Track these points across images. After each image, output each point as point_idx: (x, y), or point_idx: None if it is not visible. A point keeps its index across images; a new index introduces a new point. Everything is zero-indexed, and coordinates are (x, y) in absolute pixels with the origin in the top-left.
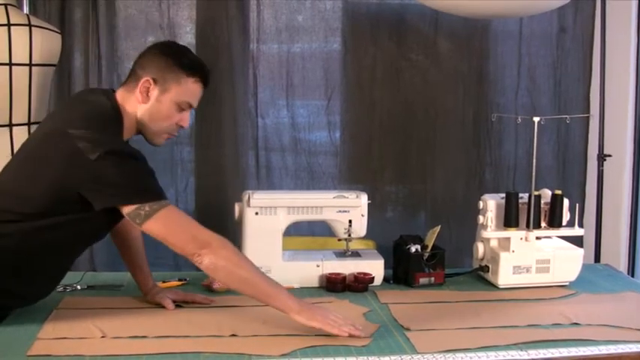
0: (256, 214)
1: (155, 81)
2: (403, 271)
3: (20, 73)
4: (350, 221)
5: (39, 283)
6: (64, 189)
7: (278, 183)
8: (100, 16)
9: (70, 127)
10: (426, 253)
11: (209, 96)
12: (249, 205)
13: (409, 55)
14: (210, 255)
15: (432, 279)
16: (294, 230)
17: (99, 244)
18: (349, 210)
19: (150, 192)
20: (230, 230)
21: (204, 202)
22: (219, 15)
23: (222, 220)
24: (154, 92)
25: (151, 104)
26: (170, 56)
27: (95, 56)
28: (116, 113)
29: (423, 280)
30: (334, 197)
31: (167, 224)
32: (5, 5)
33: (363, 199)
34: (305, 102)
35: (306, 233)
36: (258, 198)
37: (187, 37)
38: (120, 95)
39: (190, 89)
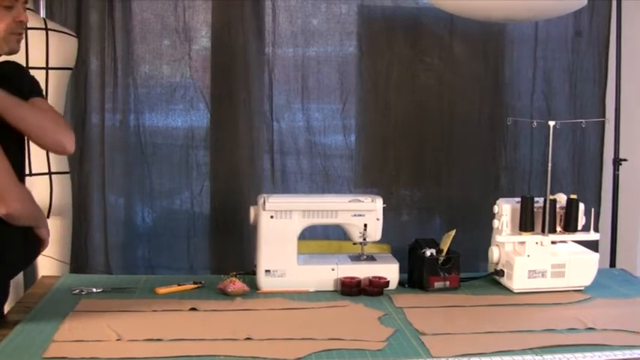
0: (271, 217)
1: None
2: (418, 274)
3: (37, 77)
4: (365, 225)
5: None
6: None
7: (293, 186)
8: (116, 20)
9: None
10: (441, 257)
11: (224, 99)
12: (264, 209)
13: (424, 58)
14: None
15: (447, 283)
16: (309, 234)
17: (115, 248)
18: (364, 214)
19: None
20: (245, 234)
21: (219, 206)
22: (234, 19)
23: (237, 223)
24: None
25: None
26: None
27: (111, 59)
28: None
29: (438, 284)
30: (349, 201)
31: None
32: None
33: (379, 203)
34: (320, 105)
35: (321, 237)
36: (273, 201)
37: (203, 41)
38: None
39: None
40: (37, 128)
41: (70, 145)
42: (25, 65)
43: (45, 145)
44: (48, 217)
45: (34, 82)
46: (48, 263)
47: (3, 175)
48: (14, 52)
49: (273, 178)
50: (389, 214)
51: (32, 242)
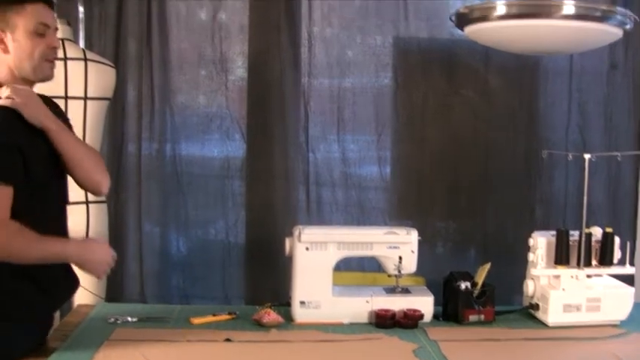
0: (307, 249)
1: (2, 30)
2: (453, 307)
3: (75, 107)
4: (400, 257)
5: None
6: None
7: (328, 218)
8: (154, 50)
9: None
10: (476, 290)
11: (260, 129)
12: (299, 240)
13: (459, 90)
14: None
15: (482, 316)
16: (344, 265)
17: (150, 277)
18: (399, 246)
19: None
20: (280, 264)
21: (254, 237)
22: (271, 49)
23: (272, 254)
24: (8, 37)
25: (13, 48)
26: (0, 3)
27: (148, 89)
28: None
29: (472, 318)
30: (385, 233)
31: None
32: (62, 40)
33: (414, 236)
34: (356, 137)
35: (356, 268)
36: (308, 233)
37: (239, 72)
38: None
39: (33, 12)
40: (79, 161)
41: (106, 187)
42: (64, 95)
43: (83, 182)
44: None
45: (69, 120)
46: (84, 291)
47: None
48: (48, 78)
49: (308, 209)
50: (423, 247)
51: (75, 275)
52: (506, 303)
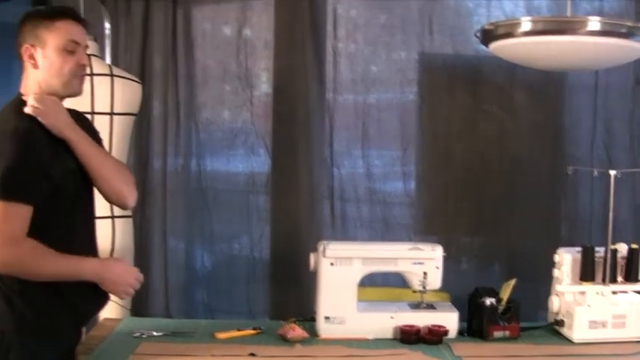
0: (331, 264)
1: (33, 45)
2: (478, 323)
3: (102, 122)
4: (425, 273)
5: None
6: None
7: (353, 233)
8: (179, 66)
9: None
10: (501, 306)
11: (285, 145)
12: (324, 256)
13: (485, 106)
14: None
15: (507, 332)
16: (368, 281)
17: (175, 292)
18: (424, 262)
19: None
20: (304, 280)
21: (279, 252)
22: (296, 65)
23: (297, 269)
24: (38, 53)
25: (42, 64)
26: (31, 18)
27: (174, 105)
28: (18, 100)
29: (497, 334)
30: (409, 249)
31: None
32: (88, 55)
33: (438, 252)
34: (380, 152)
35: (380, 284)
36: (333, 249)
37: (264, 87)
38: (21, 85)
39: (64, 29)
40: (104, 173)
41: (132, 200)
42: (90, 110)
43: (108, 194)
44: None
45: (98, 133)
46: (109, 305)
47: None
48: (78, 94)
49: (332, 224)
50: (448, 262)
51: (102, 290)
52: (531, 319)
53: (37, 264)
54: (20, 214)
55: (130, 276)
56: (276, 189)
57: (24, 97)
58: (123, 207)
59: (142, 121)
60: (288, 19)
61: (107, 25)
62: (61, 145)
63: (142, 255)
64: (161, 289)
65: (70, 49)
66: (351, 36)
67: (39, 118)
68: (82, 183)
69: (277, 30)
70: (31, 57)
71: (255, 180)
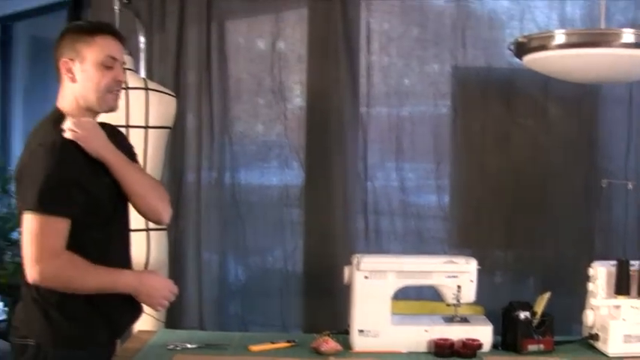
0: (366, 277)
1: (72, 59)
2: (512, 337)
3: (136, 136)
4: (459, 287)
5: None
6: None
7: (386, 247)
8: (213, 80)
9: None
10: (535, 320)
11: (319, 158)
12: (358, 269)
13: (518, 119)
14: (38, 279)
15: (541, 346)
16: (402, 294)
17: (209, 304)
18: (458, 275)
19: (30, 198)
20: (338, 293)
21: (312, 265)
22: (329, 79)
23: (330, 282)
24: (76, 67)
25: (80, 78)
26: (70, 32)
27: (208, 118)
28: (54, 113)
29: (531, 347)
30: (444, 262)
31: (24, 229)
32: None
33: (473, 265)
34: (414, 165)
35: (414, 297)
36: (367, 262)
37: (297, 101)
38: (58, 99)
39: (102, 44)
40: (140, 191)
41: (167, 217)
42: (125, 124)
43: (144, 212)
44: None
45: (133, 147)
46: (143, 318)
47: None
48: (113, 110)
49: (366, 237)
50: (482, 276)
51: (137, 302)
52: (565, 333)
53: (76, 277)
54: (58, 227)
55: (165, 289)
56: (309, 202)
57: (61, 110)
58: (158, 223)
59: (176, 134)
60: (321, 33)
61: (142, 39)
62: (97, 160)
63: (176, 268)
64: (195, 302)
65: (107, 65)
66: (385, 49)
67: (79, 143)
68: (118, 197)
69: (311, 43)
70: (69, 71)
71: (289, 193)
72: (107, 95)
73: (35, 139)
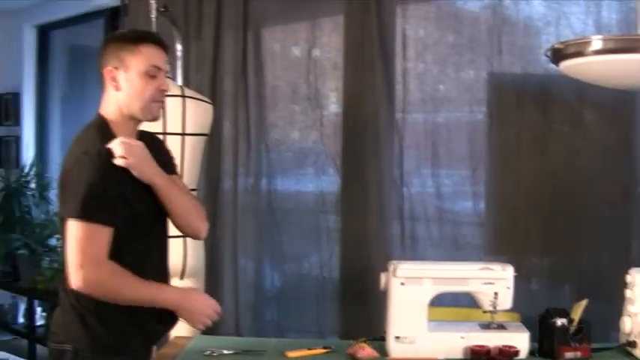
0: (402, 284)
1: (116, 67)
2: (549, 344)
3: (173, 143)
4: (495, 293)
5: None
6: None
7: (422, 253)
8: (250, 87)
9: None
10: (572, 327)
11: (355, 164)
12: (395, 276)
13: (554, 125)
14: (83, 286)
15: (578, 353)
16: (437, 301)
17: (245, 310)
18: (495, 282)
19: (73, 206)
20: (374, 299)
21: (348, 271)
22: (365, 86)
23: (366, 289)
24: (121, 75)
25: (124, 87)
26: (115, 40)
27: (244, 125)
28: (98, 120)
29: (568, 355)
30: (480, 269)
31: (69, 238)
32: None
33: (509, 272)
34: (450, 172)
35: (449, 304)
36: (404, 268)
37: (333, 107)
38: (102, 106)
39: (147, 54)
40: (182, 211)
41: (204, 233)
42: (162, 131)
43: (183, 229)
44: (181, 278)
45: (173, 157)
46: (180, 324)
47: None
48: (156, 119)
49: (402, 244)
50: (518, 282)
51: (171, 312)
52: (602, 340)
53: (118, 286)
54: (102, 235)
55: (209, 308)
56: (345, 209)
57: (104, 117)
58: (195, 239)
59: (212, 141)
60: (357, 40)
61: (179, 47)
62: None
63: (212, 274)
64: (231, 308)
65: (152, 74)
66: (420, 56)
67: (129, 169)
68: (158, 208)
69: (347, 50)
70: (114, 79)
71: (325, 200)
72: (151, 104)
73: (80, 145)
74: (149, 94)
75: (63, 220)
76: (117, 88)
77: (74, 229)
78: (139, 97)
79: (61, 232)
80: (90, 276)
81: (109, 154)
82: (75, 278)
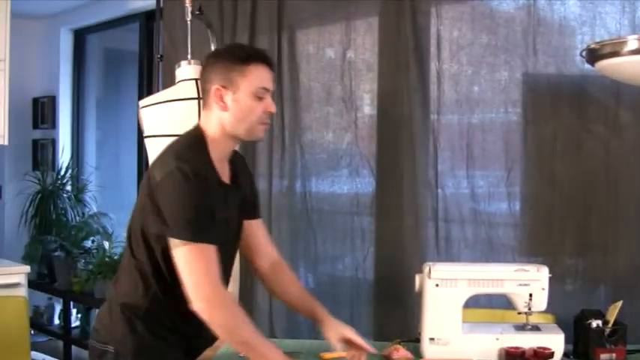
0: (437, 285)
1: (224, 86)
2: (584, 346)
3: None
4: (530, 295)
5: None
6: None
7: (457, 254)
8: (284, 89)
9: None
10: (608, 329)
11: (389, 166)
12: (430, 277)
13: (590, 126)
14: (205, 314)
15: (614, 355)
16: (472, 302)
17: (279, 312)
18: (530, 283)
19: (179, 228)
20: (409, 301)
21: (383, 272)
22: (399, 87)
23: (401, 290)
24: (228, 96)
25: (232, 107)
26: (223, 58)
27: (279, 127)
28: (196, 134)
29: (604, 356)
30: (515, 270)
31: (181, 262)
32: (195, 80)
33: (544, 273)
34: (485, 173)
35: (484, 305)
36: (439, 270)
37: (368, 109)
38: (202, 119)
39: (256, 75)
40: None
41: None
42: None
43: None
44: None
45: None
46: None
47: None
48: (259, 140)
49: (437, 245)
50: (553, 284)
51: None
52: (638, 342)
53: (242, 335)
54: (211, 254)
55: None
56: (380, 210)
57: (204, 131)
58: None
59: (247, 143)
60: (391, 41)
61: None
62: (225, 193)
63: (247, 276)
64: (265, 310)
65: (260, 96)
66: (455, 57)
67: None
68: (235, 231)
69: (381, 52)
70: (221, 99)
71: (360, 201)
72: (257, 126)
73: (172, 156)
74: (256, 116)
75: (160, 237)
76: (224, 109)
77: (184, 253)
78: (246, 119)
79: (133, 237)
80: (210, 294)
81: (205, 172)
82: (196, 300)
